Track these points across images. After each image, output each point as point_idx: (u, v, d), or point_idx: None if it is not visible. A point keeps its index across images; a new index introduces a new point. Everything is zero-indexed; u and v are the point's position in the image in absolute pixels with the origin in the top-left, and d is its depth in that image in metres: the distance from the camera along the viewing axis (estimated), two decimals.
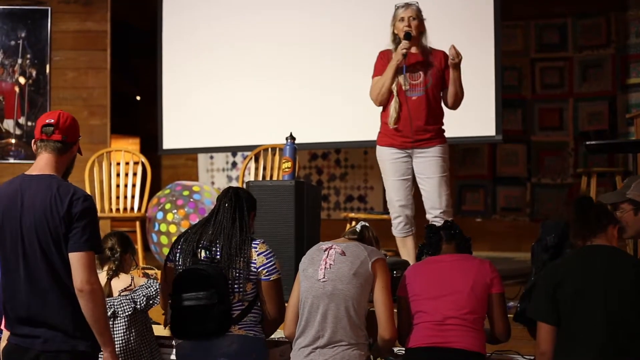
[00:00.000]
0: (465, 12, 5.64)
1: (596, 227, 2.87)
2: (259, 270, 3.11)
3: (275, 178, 5.21)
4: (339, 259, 3.08)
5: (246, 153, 7.00)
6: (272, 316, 3.16)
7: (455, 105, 4.33)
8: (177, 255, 3.18)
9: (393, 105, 4.22)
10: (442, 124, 4.34)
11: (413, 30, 4.23)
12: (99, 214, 5.24)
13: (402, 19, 4.26)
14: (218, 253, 3.11)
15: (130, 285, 3.53)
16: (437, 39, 4.35)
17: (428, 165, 4.24)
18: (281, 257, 3.71)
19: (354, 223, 5.02)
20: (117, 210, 5.43)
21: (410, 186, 4.36)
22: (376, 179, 7.69)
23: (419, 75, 4.24)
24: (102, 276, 3.55)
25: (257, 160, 5.38)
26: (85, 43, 6.39)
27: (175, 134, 6.47)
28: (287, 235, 4.15)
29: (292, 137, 4.50)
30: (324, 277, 3.06)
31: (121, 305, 3.44)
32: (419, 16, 4.27)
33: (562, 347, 2.79)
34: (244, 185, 4.60)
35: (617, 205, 3.19)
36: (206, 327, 3.00)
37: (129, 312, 3.44)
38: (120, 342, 3.42)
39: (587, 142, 4.44)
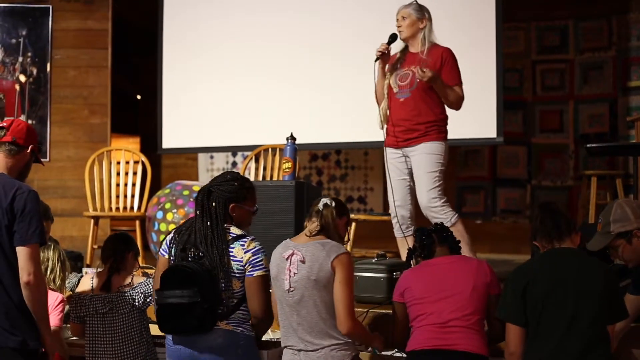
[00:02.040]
0: (467, 14, 5.64)
1: (565, 231, 2.91)
2: (245, 266, 3.06)
3: (275, 178, 5.20)
4: (301, 267, 3.13)
5: (246, 153, 6.99)
6: (256, 314, 3.08)
7: (453, 107, 4.28)
8: (172, 249, 3.16)
9: (382, 106, 4.24)
10: (434, 122, 4.21)
11: (404, 30, 4.21)
12: (99, 213, 5.33)
13: (397, 21, 4.26)
14: (202, 253, 3.08)
15: (130, 282, 3.54)
16: (438, 41, 4.32)
17: (414, 162, 4.21)
18: None
19: (353, 225, 5.00)
20: (117, 209, 5.42)
21: (408, 186, 4.33)
22: (376, 180, 7.69)
23: (407, 77, 4.22)
24: (104, 272, 3.57)
25: (257, 161, 5.38)
26: (86, 41, 6.39)
27: (175, 133, 6.47)
28: (287, 236, 4.06)
29: (292, 138, 4.49)
30: (290, 287, 3.13)
31: (118, 301, 3.45)
32: (410, 15, 4.22)
33: (531, 346, 2.81)
34: None
35: (612, 246, 3.13)
36: (188, 324, 2.98)
37: (127, 309, 3.45)
38: (118, 337, 3.43)
39: (588, 145, 4.43)
